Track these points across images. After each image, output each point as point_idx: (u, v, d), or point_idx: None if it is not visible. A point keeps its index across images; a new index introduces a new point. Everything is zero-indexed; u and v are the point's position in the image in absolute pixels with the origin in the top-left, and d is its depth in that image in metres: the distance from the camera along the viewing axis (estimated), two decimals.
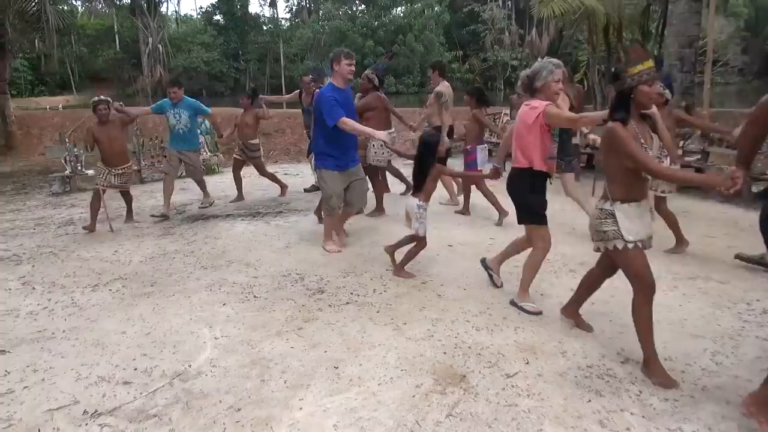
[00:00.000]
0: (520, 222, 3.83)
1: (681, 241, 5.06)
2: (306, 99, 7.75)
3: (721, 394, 2.75)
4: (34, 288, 4.47)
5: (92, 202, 6.35)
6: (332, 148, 5.06)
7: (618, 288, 4.06)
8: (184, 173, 8.08)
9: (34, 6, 13.51)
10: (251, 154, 7.93)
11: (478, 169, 6.10)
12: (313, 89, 7.37)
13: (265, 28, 45.45)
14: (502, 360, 3.10)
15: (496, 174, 4.23)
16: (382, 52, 40.84)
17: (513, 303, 3.86)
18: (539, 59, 3.74)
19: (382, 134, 4.73)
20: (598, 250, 3.06)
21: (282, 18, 49.02)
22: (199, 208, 7.43)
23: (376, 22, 43.27)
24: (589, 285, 3.40)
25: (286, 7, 55.44)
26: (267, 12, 56.71)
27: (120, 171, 6.55)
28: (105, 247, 5.62)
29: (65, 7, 21.36)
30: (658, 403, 2.68)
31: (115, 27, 37.73)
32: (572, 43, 20.98)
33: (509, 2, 38.65)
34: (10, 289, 4.46)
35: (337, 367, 3.03)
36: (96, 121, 6.44)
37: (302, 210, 7.09)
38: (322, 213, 5.57)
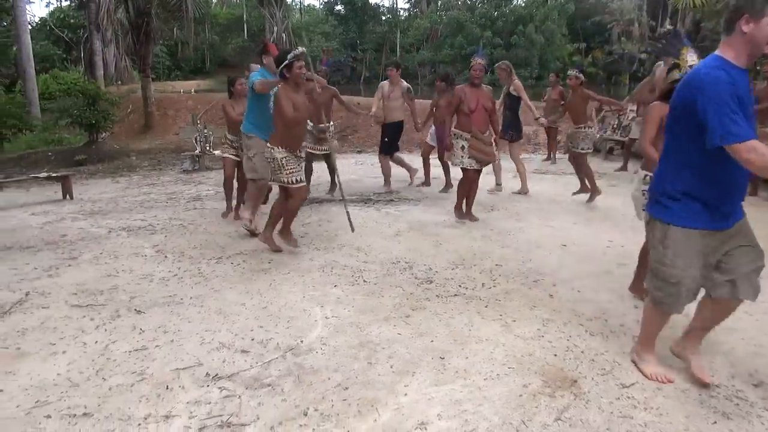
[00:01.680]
0: None
1: (594, 192, 6.59)
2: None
3: None
4: (166, 256, 4.87)
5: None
6: (706, 187, 2.52)
7: (753, 304, 3.72)
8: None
9: None
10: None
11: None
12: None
13: (383, 18, 46.12)
14: (618, 368, 2.93)
15: None
16: (500, 43, 40.01)
17: None
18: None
19: None
20: None
21: (400, 8, 49.46)
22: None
23: (496, 12, 42.38)
24: None
25: None
26: (386, 2, 57.35)
27: (301, 154, 4.86)
28: (227, 223, 5.99)
29: None
30: None
31: (244, 16, 39.98)
32: (711, 36, 19.28)
33: None
34: (145, 256, 4.89)
35: (443, 358, 3.03)
36: (282, 85, 4.63)
37: (412, 199, 7.13)
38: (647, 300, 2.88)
